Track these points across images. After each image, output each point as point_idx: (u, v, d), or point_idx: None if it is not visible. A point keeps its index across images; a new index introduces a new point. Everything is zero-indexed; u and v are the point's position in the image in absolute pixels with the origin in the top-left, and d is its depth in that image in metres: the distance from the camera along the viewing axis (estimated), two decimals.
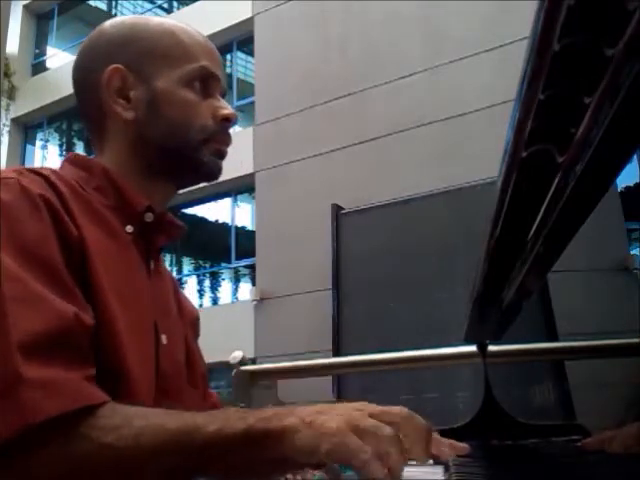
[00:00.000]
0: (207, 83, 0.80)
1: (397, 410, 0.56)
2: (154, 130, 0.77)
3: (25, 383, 0.53)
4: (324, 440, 0.52)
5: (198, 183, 0.84)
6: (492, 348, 1.35)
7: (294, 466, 0.57)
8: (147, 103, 0.77)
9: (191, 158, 0.79)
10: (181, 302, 0.89)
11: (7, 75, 12.15)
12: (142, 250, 0.77)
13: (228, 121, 0.81)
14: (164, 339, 0.74)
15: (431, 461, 0.54)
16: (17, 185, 0.64)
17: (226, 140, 0.81)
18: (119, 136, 0.79)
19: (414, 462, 0.55)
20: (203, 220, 10.78)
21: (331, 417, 0.54)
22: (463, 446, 0.87)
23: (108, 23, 0.83)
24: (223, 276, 10.63)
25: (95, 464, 0.55)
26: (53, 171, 0.71)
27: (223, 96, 0.83)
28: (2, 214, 0.61)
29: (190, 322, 0.90)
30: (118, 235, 0.73)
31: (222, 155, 0.81)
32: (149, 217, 0.76)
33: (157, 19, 0.84)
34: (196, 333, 0.92)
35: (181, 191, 0.86)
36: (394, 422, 0.54)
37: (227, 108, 0.81)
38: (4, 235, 0.60)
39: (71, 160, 0.80)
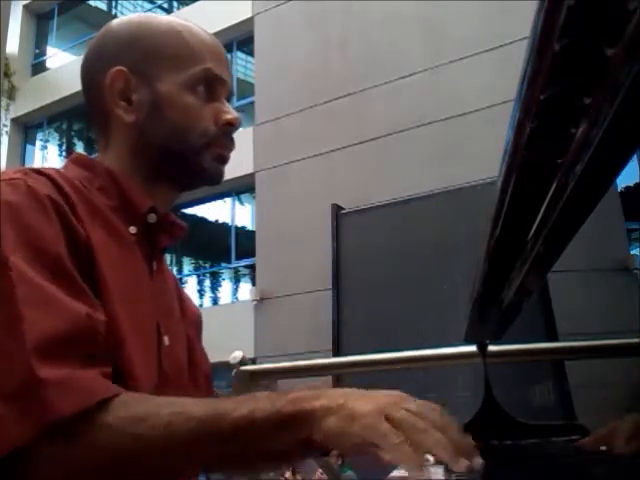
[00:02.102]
0: (212, 86, 0.78)
1: (435, 410, 0.55)
2: (155, 133, 0.77)
3: (42, 384, 0.54)
4: (354, 423, 0.52)
5: (199, 187, 0.83)
6: (492, 348, 1.35)
7: (322, 449, 0.57)
8: (149, 106, 0.76)
9: (192, 162, 0.78)
10: (183, 302, 0.89)
11: (7, 75, 12.15)
12: (145, 251, 0.76)
13: (231, 126, 0.79)
14: (166, 340, 0.75)
15: (432, 460, 0.52)
16: (24, 186, 0.64)
17: (228, 145, 0.80)
18: (121, 138, 0.78)
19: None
20: (203, 220, 10.78)
21: (363, 401, 0.54)
22: None
23: (115, 22, 0.82)
24: (223, 276, 10.64)
25: (126, 455, 0.55)
26: (57, 171, 0.71)
27: (229, 99, 0.81)
28: (11, 215, 0.61)
29: (193, 322, 0.90)
30: (122, 236, 0.73)
31: (224, 160, 0.80)
32: (152, 218, 0.76)
33: (165, 19, 0.82)
34: (199, 332, 0.92)
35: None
36: (428, 419, 0.53)
37: (230, 112, 0.79)
38: (14, 236, 0.60)
39: (75, 160, 0.80)
